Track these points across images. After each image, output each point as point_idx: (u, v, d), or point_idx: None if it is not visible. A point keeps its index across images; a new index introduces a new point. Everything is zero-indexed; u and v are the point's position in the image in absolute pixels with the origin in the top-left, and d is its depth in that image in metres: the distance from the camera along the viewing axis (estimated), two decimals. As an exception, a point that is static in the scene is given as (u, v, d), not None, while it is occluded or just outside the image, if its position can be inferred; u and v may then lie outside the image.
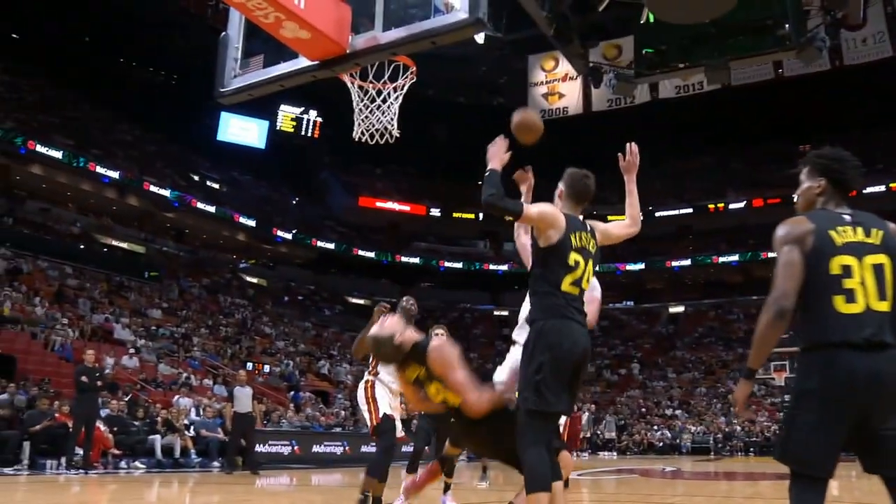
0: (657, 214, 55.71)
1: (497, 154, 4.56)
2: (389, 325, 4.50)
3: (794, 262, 3.19)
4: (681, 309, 53.95)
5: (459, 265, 55.50)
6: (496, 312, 55.35)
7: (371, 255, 53.34)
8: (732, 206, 54.25)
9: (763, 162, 54.48)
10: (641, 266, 54.51)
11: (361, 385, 7.06)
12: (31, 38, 43.60)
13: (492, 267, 54.81)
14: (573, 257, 4.33)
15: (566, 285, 4.29)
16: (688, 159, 56.73)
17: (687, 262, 53.70)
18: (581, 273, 4.36)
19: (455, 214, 55.86)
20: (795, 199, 3.56)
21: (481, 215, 56.01)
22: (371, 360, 7.03)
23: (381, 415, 6.79)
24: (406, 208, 57.60)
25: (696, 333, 50.54)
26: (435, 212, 57.47)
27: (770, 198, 51.93)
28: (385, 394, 6.94)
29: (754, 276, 52.33)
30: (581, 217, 4.69)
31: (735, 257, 52.28)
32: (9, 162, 36.52)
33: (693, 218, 55.63)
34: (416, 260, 54.30)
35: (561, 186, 4.73)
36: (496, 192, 4.22)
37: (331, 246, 51.85)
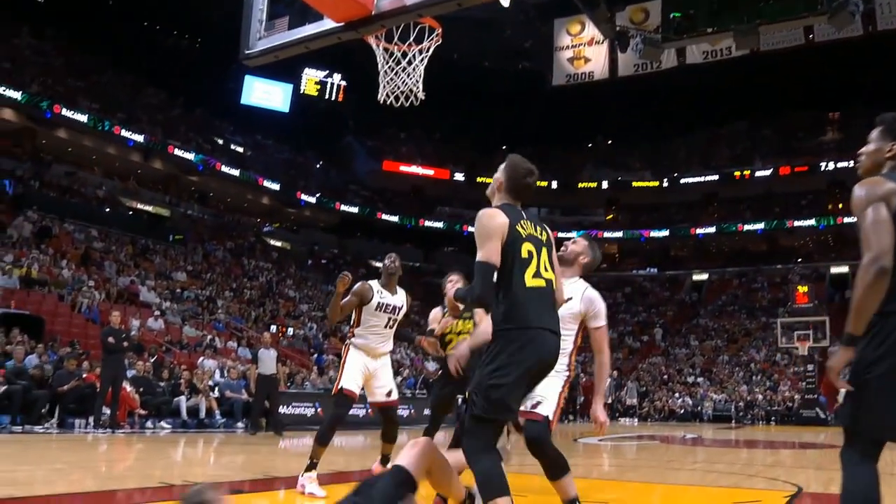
0: (682, 181, 55.33)
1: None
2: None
3: (885, 218, 3.06)
4: (705, 277, 53.63)
5: (483, 230, 55.34)
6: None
7: (395, 219, 53.38)
8: (759, 173, 53.50)
9: (791, 130, 53.80)
10: (665, 233, 54.26)
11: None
12: (55, 2, 43.55)
13: (513, 231, 54.84)
14: (525, 248, 4.04)
15: (529, 280, 4.00)
16: (714, 126, 56.06)
17: (712, 230, 53.30)
18: (538, 263, 4.06)
19: (479, 179, 55.53)
20: (858, 159, 3.42)
21: (506, 180, 55.78)
22: (351, 323, 7.07)
23: (339, 387, 6.88)
24: (430, 173, 57.45)
25: (719, 301, 50.32)
26: (459, 176, 57.29)
27: (798, 166, 51.39)
28: (359, 358, 6.94)
29: (779, 244, 52.03)
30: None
31: (760, 225, 51.86)
32: (35, 126, 36.71)
33: (719, 185, 54.96)
34: (440, 224, 54.24)
35: (500, 177, 4.32)
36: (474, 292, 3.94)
37: (354, 210, 51.94)
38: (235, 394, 18.12)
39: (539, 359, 3.95)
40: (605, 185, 57.49)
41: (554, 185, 56.14)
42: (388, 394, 7.07)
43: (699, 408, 34.70)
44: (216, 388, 18.27)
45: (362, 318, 6.97)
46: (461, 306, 4.45)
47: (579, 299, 4.90)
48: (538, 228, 4.18)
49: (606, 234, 55.00)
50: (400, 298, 7.08)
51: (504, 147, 58.22)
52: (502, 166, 4.34)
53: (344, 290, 6.68)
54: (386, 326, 7.01)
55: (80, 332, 20.84)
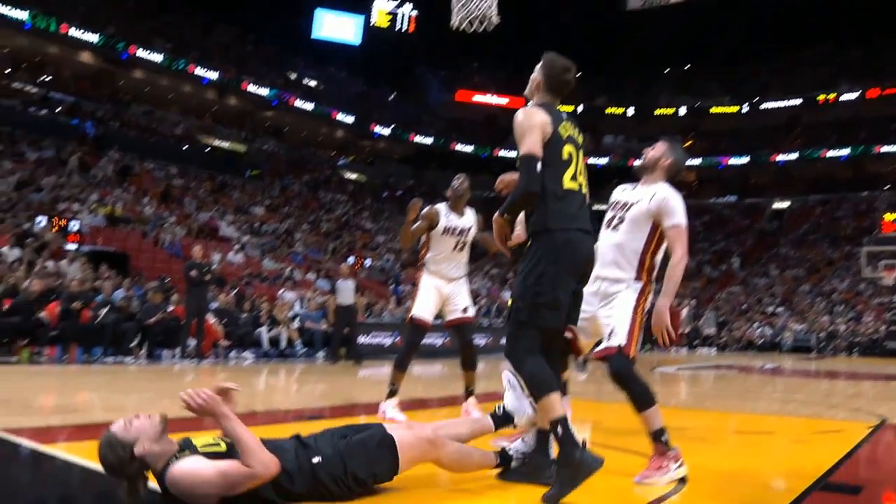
0: (763, 107, 53.54)
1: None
2: None
3: None
4: (786, 205, 52.06)
5: (559, 159, 54.77)
6: (595, 206, 54.77)
7: (469, 149, 53.11)
8: (845, 97, 51.15)
9: (880, 51, 51.28)
10: (745, 160, 52.73)
11: None
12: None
13: (591, 160, 53.87)
14: (567, 149, 3.97)
15: (567, 182, 3.94)
16: (798, 48, 53.74)
17: (794, 157, 51.50)
18: (576, 166, 4.00)
19: (554, 107, 54.90)
20: None
21: (580, 108, 54.98)
22: (420, 248, 7.05)
23: (410, 315, 6.96)
24: (504, 101, 56.64)
25: (801, 230, 48.90)
26: (533, 105, 56.62)
27: (888, 88, 49.05)
28: (432, 283, 6.93)
29: (866, 171, 50.05)
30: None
31: (846, 151, 49.81)
32: (112, 68, 37.45)
33: (802, 110, 52.87)
34: (515, 154, 53.30)
35: (536, 76, 4.17)
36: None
37: (428, 141, 51.81)
38: (315, 324, 18.44)
39: (582, 260, 3.94)
40: (682, 111, 56.01)
41: (630, 112, 55.07)
42: (465, 310, 7.00)
43: (779, 338, 34.04)
44: (296, 319, 18.61)
45: (431, 243, 6.91)
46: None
47: (649, 199, 4.68)
48: (576, 130, 4.11)
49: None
50: (468, 220, 6.95)
51: (579, 74, 57.35)
52: (539, 65, 4.20)
53: (414, 216, 6.64)
54: (455, 249, 6.92)
55: (163, 266, 21.41)
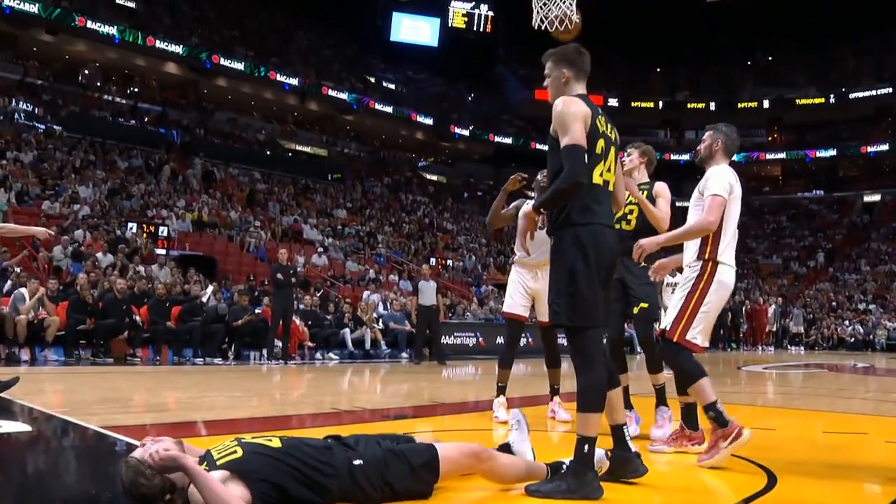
0: (852, 96, 51.70)
1: None
2: None
3: None
4: (877, 198, 50.31)
5: (640, 156, 53.92)
6: (679, 203, 53.68)
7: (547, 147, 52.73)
8: (940, 83, 48.92)
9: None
10: (833, 152, 51.15)
11: None
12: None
13: (673, 157, 52.97)
14: (600, 144, 3.87)
15: (596, 177, 3.83)
16: (889, 32, 51.71)
17: (885, 147, 49.48)
18: (606, 161, 3.91)
19: (633, 104, 53.99)
20: None
21: (661, 103, 54.12)
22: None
23: (503, 311, 7.01)
24: (582, 98, 56.25)
25: (893, 224, 47.19)
26: (613, 101, 55.68)
27: None
28: (519, 280, 6.85)
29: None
30: None
31: (940, 141, 47.71)
32: (197, 77, 38.33)
33: (893, 99, 50.68)
34: (599, 151, 52.67)
35: (562, 70, 4.07)
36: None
37: (508, 140, 51.60)
38: (398, 325, 18.54)
39: (608, 252, 3.85)
40: (766, 104, 54.58)
41: (712, 106, 53.92)
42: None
43: (871, 336, 32.90)
44: (380, 320, 18.74)
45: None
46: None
47: (703, 182, 4.70)
48: (610, 126, 4.02)
49: (768, 156, 52.80)
50: None
51: (658, 69, 56.49)
52: (552, 60, 4.15)
53: (512, 189, 6.48)
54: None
55: (249, 269, 21.80)
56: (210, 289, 16.99)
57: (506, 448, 4.06)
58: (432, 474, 3.60)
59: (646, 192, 5.75)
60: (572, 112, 3.83)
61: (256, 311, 15.99)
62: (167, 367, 13.51)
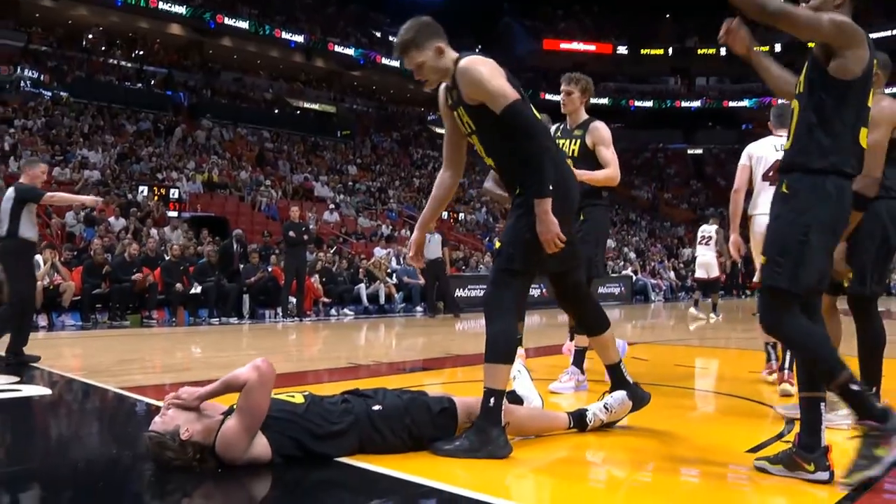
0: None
1: None
2: None
3: None
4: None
5: (650, 104, 53.59)
6: (690, 151, 53.33)
7: (558, 98, 52.14)
8: None
9: None
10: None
11: None
12: None
13: (684, 104, 52.52)
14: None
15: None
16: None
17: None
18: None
19: (643, 51, 53.40)
20: None
21: (671, 50, 53.44)
22: None
23: None
24: (591, 48, 55.53)
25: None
26: (622, 50, 55.15)
27: None
28: None
29: None
30: None
31: None
32: (201, 38, 38.13)
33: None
34: (605, 101, 52.40)
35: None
36: None
37: (516, 92, 51.15)
38: (412, 279, 18.56)
39: (573, 195, 3.84)
40: (777, 48, 53.79)
41: (722, 52, 53.19)
42: None
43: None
44: (393, 275, 18.78)
45: None
46: None
47: None
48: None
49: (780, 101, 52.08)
50: None
51: (668, 15, 55.67)
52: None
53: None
54: None
55: (261, 228, 21.81)
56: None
57: (514, 397, 4.06)
58: (451, 420, 3.63)
59: (582, 132, 5.76)
60: (494, 67, 3.79)
61: (270, 269, 16.03)
62: (183, 328, 13.57)
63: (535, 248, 3.61)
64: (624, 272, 26.58)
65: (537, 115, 3.70)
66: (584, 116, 5.99)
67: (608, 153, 5.57)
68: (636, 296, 25.81)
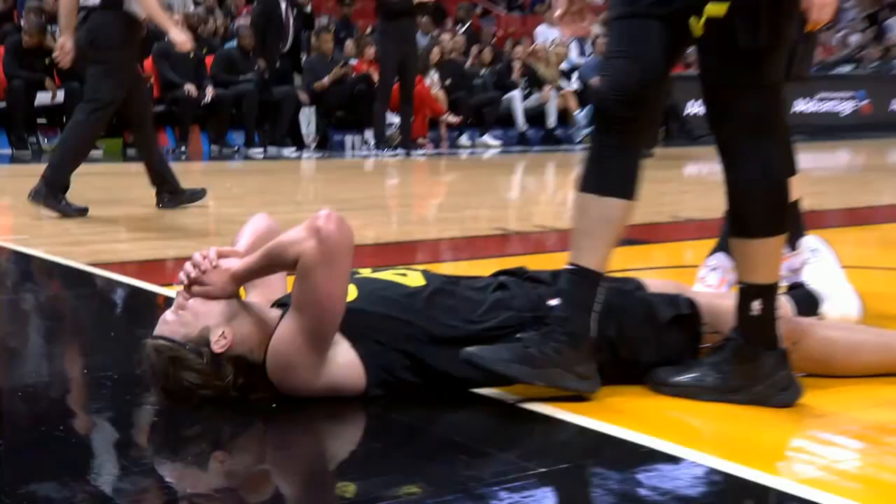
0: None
1: None
2: None
3: None
4: None
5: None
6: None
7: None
8: None
9: None
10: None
11: None
12: None
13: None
14: None
15: None
16: None
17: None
18: None
19: None
20: None
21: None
22: None
23: None
24: None
25: None
26: None
27: None
28: None
29: None
30: None
31: None
32: None
33: None
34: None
35: None
36: None
37: None
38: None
39: None
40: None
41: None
42: None
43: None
44: (573, 75, 12.60)
45: None
46: None
47: None
48: None
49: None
50: None
51: None
52: None
53: None
54: None
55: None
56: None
57: (803, 296, 2.41)
58: (690, 337, 2.07)
59: None
60: None
61: (351, 62, 10.50)
62: (201, 163, 9.21)
63: None
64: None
65: None
66: None
67: None
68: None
